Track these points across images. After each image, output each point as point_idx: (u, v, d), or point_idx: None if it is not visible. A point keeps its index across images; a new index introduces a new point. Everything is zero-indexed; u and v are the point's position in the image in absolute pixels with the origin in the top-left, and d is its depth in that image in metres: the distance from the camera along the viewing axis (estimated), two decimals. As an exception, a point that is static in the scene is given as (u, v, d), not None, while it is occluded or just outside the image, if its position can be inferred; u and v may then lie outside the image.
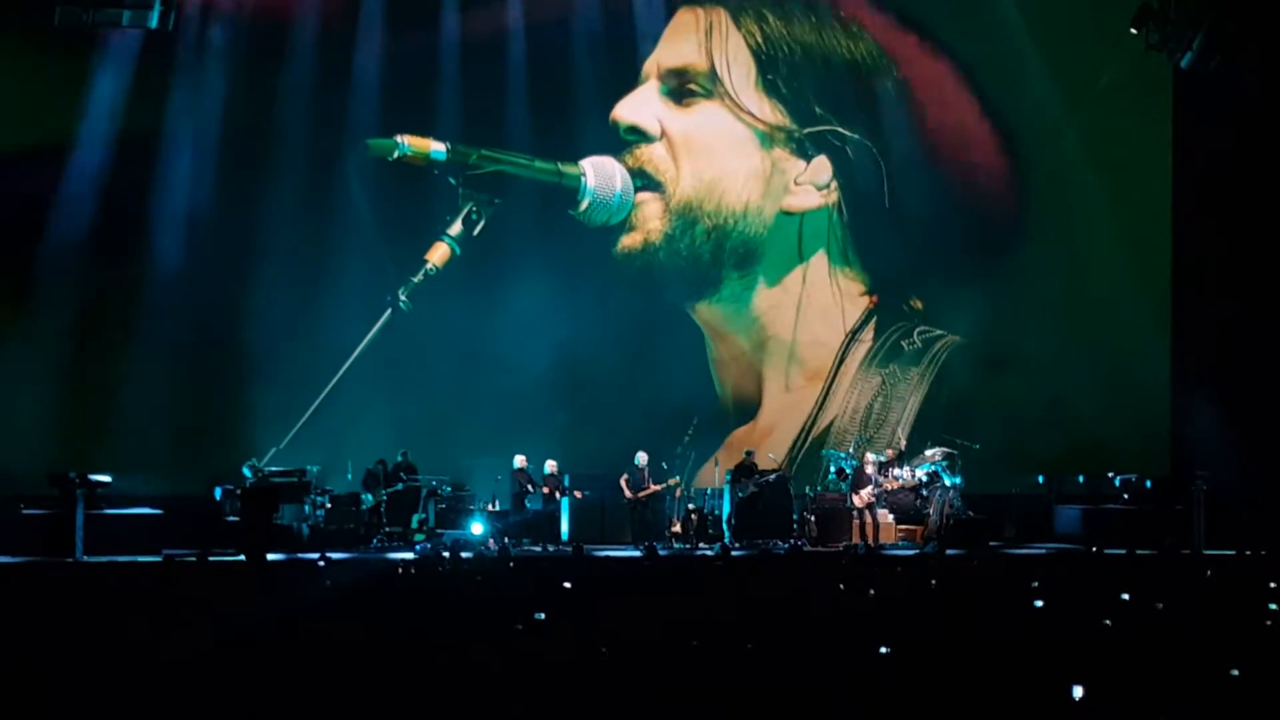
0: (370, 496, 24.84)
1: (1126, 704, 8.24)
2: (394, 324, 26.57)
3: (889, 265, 28.08)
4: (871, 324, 28.07)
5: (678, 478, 25.52)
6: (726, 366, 28.04)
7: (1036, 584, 13.82)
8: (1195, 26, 25.22)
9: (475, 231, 26.89)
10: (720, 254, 27.77)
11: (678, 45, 27.64)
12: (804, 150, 27.93)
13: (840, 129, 27.92)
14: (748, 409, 27.81)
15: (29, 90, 25.60)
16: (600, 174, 27.22)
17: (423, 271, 26.69)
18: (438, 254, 26.80)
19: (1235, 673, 8.87)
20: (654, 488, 25.27)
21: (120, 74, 25.58)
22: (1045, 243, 28.24)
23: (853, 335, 28.02)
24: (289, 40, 26.36)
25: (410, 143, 26.58)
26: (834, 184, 28.00)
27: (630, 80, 27.45)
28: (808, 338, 28.03)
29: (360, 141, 26.57)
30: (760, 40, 27.74)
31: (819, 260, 28.05)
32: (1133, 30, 25.75)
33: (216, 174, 26.07)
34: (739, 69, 27.68)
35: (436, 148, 26.74)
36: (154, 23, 24.12)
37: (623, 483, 25.30)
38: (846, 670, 9.04)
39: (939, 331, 27.98)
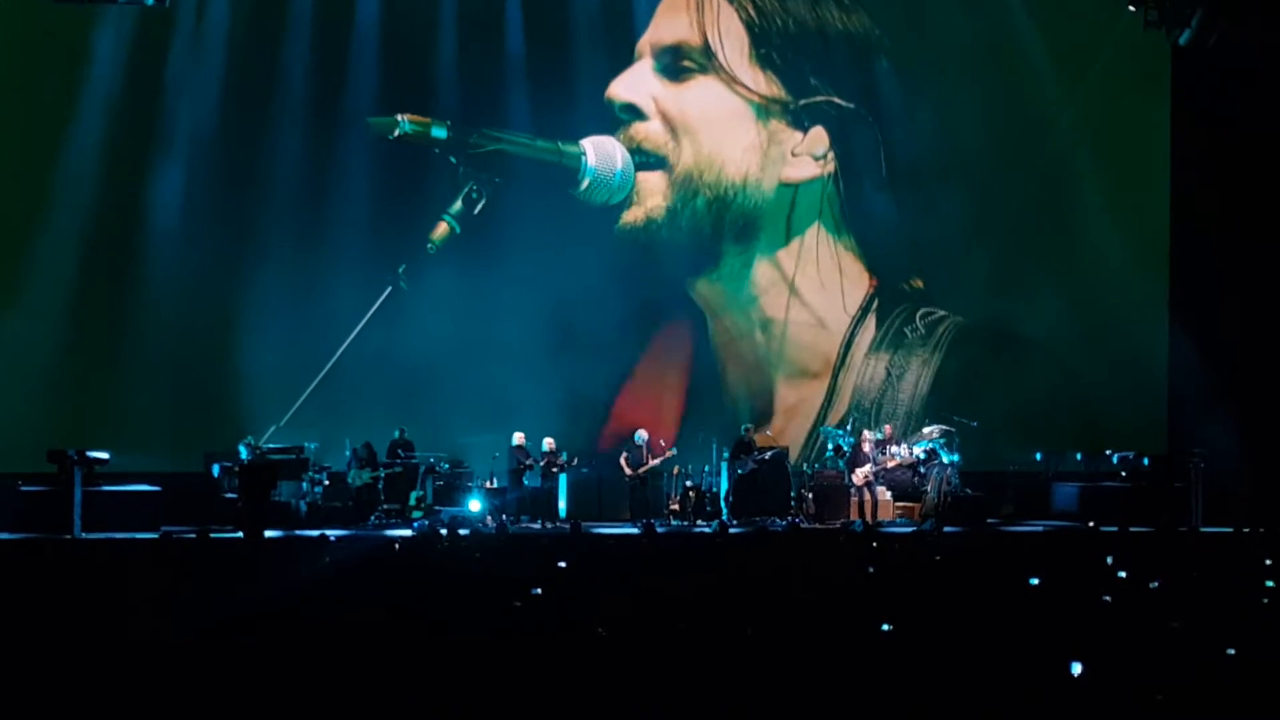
0: (353, 477, 24.81)
1: (1124, 681, 8.26)
2: (393, 302, 26.56)
3: (886, 238, 28.06)
4: (873, 310, 28.02)
5: (674, 450, 25.48)
6: (730, 355, 27.97)
7: (1035, 562, 13.85)
8: (1194, 3, 25.19)
9: (476, 210, 26.87)
10: (721, 226, 27.73)
11: (670, 22, 27.57)
12: (800, 122, 27.89)
13: (836, 99, 27.89)
14: (757, 406, 27.57)
15: (26, 65, 25.56)
16: (601, 153, 27.17)
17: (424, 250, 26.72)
18: (437, 233, 26.80)
19: (1231, 651, 8.89)
20: (653, 462, 25.28)
21: (117, 50, 25.53)
22: (1043, 220, 28.24)
23: (856, 323, 27.95)
24: (287, 16, 26.33)
25: (411, 120, 26.55)
26: (830, 154, 27.98)
27: (628, 64, 27.40)
28: (807, 318, 27.95)
29: (360, 119, 26.52)
30: (753, 13, 27.69)
31: (818, 235, 28.01)
32: (1130, 8, 25.73)
33: (215, 151, 26.03)
34: (732, 42, 27.63)
35: (437, 125, 26.72)
36: (150, -1, 24.08)
37: (622, 461, 25.31)
38: (845, 648, 9.06)
39: (942, 312, 27.97)
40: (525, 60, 27.07)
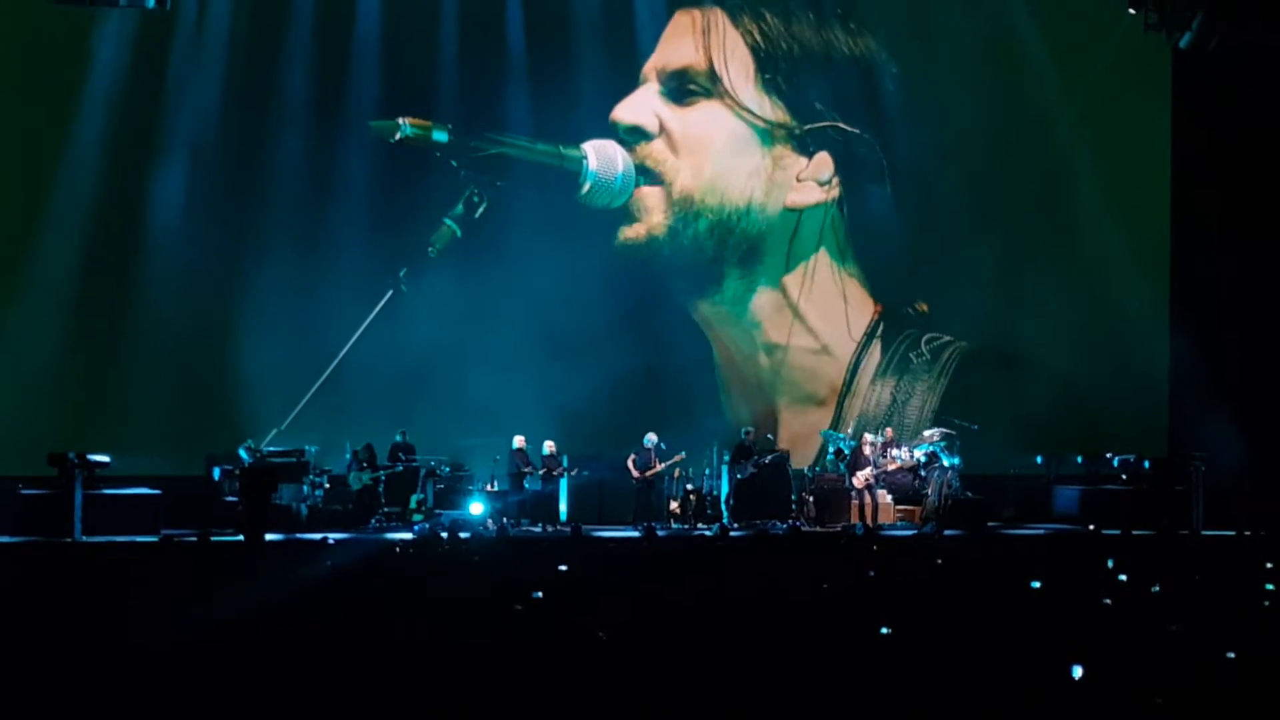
0: (354, 480, 24.80)
1: (1124, 684, 8.26)
2: (394, 305, 26.55)
3: (891, 262, 28.01)
4: (878, 336, 27.97)
5: (683, 454, 25.39)
6: (732, 377, 27.89)
7: (1036, 565, 13.85)
8: (1194, 6, 25.19)
9: (476, 214, 26.88)
10: (723, 250, 27.68)
11: (676, 47, 27.57)
12: (805, 147, 27.86)
13: (841, 124, 27.87)
14: (761, 431, 27.31)
15: (29, 67, 25.58)
16: (602, 156, 27.16)
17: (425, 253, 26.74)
18: (438, 236, 26.81)
19: (1232, 654, 8.89)
20: (660, 465, 25.22)
21: (119, 52, 25.56)
22: (1044, 222, 28.25)
23: (862, 349, 27.89)
24: (288, 19, 26.35)
25: (413, 124, 26.56)
26: (835, 180, 27.96)
27: (629, 69, 27.39)
28: (811, 344, 27.89)
29: (361, 122, 26.53)
30: (759, 38, 27.67)
31: (822, 260, 27.97)
32: (1131, 11, 25.73)
33: (216, 154, 26.03)
34: (737, 67, 27.61)
35: (438, 129, 26.73)
36: (151, 2, 24.06)
37: (629, 463, 25.24)
38: (844, 651, 9.06)
39: (947, 338, 27.92)
40: (526, 63, 27.08)
